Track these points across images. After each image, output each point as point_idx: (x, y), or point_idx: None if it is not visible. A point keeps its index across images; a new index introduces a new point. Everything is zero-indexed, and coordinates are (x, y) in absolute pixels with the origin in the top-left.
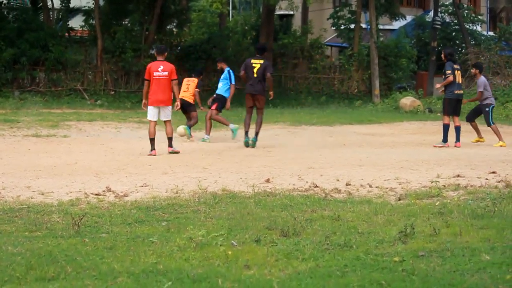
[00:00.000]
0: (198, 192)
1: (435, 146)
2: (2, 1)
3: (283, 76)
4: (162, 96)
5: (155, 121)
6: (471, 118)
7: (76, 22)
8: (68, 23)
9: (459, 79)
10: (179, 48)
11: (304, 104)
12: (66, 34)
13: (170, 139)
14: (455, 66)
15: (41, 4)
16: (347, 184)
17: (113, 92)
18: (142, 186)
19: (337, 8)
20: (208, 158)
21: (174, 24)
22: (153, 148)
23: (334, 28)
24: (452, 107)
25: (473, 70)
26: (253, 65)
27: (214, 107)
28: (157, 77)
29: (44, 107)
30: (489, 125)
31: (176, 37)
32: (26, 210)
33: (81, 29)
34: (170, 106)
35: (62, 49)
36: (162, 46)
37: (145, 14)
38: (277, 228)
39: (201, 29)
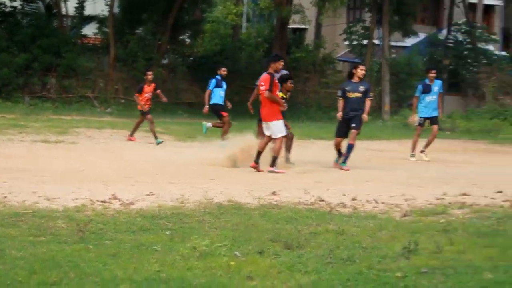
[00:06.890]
0: (204, 202)
1: None
2: (17, 7)
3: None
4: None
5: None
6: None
7: (89, 30)
8: (81, 30)
9: None
10: (191, 58)
11: (314, 119)
12: (79, 41)
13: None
14: None
15: (56, 10)
16: (353, 199)
17: (123, 101)
18: (148, 195)
19: (351, 24)
20: (219, 171)
21: (187, 34)
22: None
23: (347, 43)
24: None
25: None
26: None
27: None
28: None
29: (54, 113)
30: None
31: (189, 48)
32: (31, 215)
33: (94, 36)
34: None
35: (75, 56)
36: None
37: (159, 24)
38: (281, 241)
39: (214, 40)
